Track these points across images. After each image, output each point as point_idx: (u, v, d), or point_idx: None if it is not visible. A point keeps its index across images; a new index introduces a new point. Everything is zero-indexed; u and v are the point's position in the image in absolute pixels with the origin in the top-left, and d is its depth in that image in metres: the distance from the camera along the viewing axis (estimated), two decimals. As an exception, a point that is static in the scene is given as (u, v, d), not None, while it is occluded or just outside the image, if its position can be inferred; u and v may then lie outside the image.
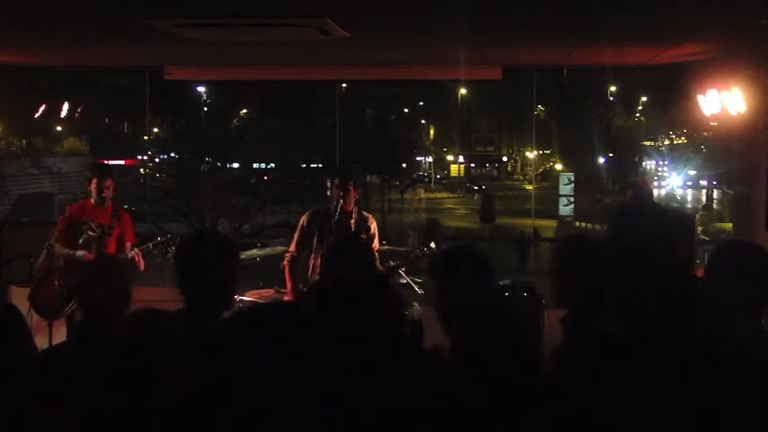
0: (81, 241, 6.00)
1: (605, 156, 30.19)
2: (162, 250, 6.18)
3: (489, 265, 3.08)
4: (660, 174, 43.13)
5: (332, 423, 1.98)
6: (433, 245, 5.93)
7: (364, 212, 6.09)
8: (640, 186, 6.01)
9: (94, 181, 6.10)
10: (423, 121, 41.37)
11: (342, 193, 5.81)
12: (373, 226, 5.98)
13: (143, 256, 6.00)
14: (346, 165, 6.65)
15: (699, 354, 2.28)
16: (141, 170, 25.98)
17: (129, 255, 5.91)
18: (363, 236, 5.80)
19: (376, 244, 5.92)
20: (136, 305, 3.31)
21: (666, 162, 41.01)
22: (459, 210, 37.95)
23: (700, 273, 5.05)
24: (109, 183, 6.14)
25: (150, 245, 6.13)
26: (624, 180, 6.92)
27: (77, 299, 3.25)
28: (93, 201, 6.13)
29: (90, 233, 6.03)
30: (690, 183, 42.58)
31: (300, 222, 6.06)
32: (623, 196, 6.15)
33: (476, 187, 44.48)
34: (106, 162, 6.52)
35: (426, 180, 43.10)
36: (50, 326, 5.79)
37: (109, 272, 3.31)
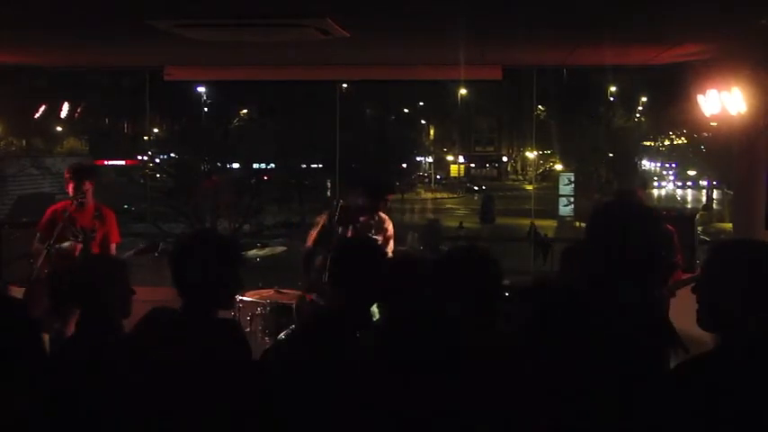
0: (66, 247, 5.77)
1: (605, 156, 30.20)
2: (146, 255, 6.00)
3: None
4: (661, 174, 43.20)
5: None
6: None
7: (381, 214, 6.05)
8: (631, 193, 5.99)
9: (72, 184, 5.86)
10: (423, 121, 41.42)
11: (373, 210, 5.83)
12: (388, 227, 5.98)
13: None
14: (375, 177, 6.75)
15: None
16: (141, 170, 25.97)
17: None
18: (379, 237, 5.84)
19: (391, 246, 5.95)
20: (135, 305, 3.33)
21: (673, 165, 41.08)
22: (459, 210, 37.97)
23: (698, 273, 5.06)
24: (88, 186, 5.90)
25: (132, 253, 5.94)
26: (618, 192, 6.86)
27: (78, 296, 3.23)
28: (73, 203, 5.88)
29: (72, 239, 5.83)
30: (690, 183, 42.68)
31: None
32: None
33: (476, 187, 44.53)
34: (87, 164, 6.23)
35: (426, 180, 43.15)
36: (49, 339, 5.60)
37: (112, 271, 3.32)
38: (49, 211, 6.05)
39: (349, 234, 5.81)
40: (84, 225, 5.94)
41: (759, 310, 2.19)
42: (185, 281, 2.83)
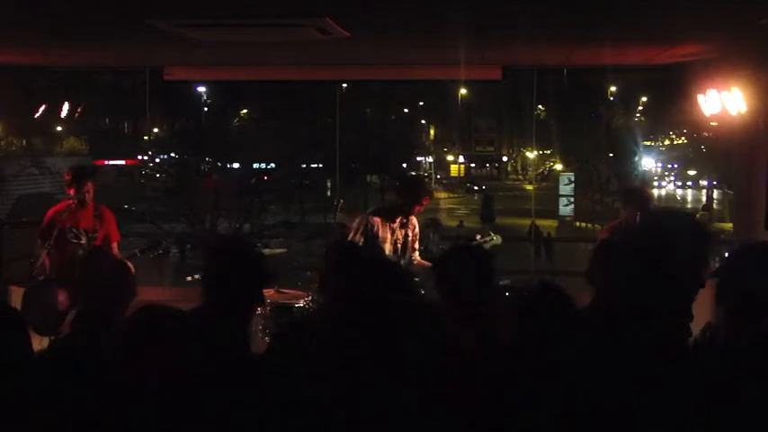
0: (69, 249, 5.82)
1: (605, 156, 30.22)
2: (150, 254, 6.04)
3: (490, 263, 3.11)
4: (662, 174, 43.22)
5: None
6: (493, 235, 6.13)
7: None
8: (642, 198, 6.07)
9: (74, 187, 5.88)
10: (423, 121, 41.44)
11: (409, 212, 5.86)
12: (416, 225, 6.05)
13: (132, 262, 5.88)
14: (413, 180, 6.98)
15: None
16: (141, 170, 25.98)
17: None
18: (409, 233, 5.90)
19: (417, 244, 6.02)
20: (135, 305, 3.33)
21: (675, 165, 41.10)
22: (459, 210, 37.97)
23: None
24: (88, 187, 5.92)
25: (137, 251, 5.97)
26: (626, 191, 6.97)
27: (81, 291, 3.25)
28: (74, 204, 5.91)
29: (74, 241, 5.88)
30: (690, 183, 42.69)
31: None
32: (623, 209, 6.23)
33: (476, 187, 44.55)
34: (86, 165, 6.30)
35: (426, 180, 43.07)
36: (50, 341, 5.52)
37: (118, 269, 3.34)
38: (49, 213, 6.06)
39: (388, 232, 5.85)
40: (86, 226, 5.97)
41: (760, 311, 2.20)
42: (216, 286, 2.86)
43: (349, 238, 5.83)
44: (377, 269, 2.96)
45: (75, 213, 5.94)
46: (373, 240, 5.74)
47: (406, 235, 5.96)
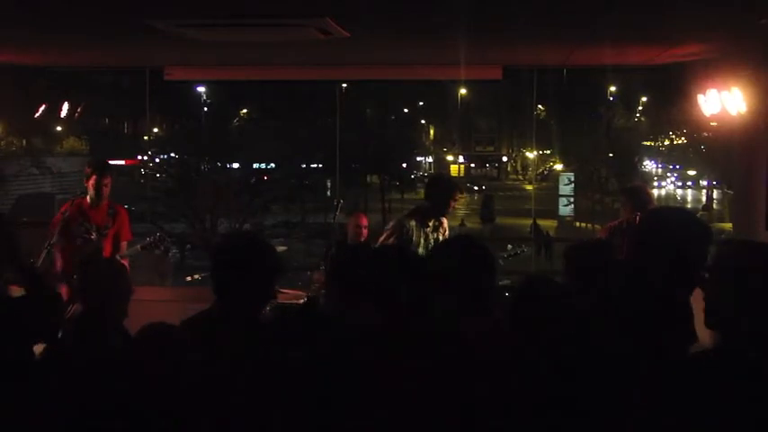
0: (78, 243, 5.91)
1: (605, 156, 30.19)
2: (152, 251, 6.12)
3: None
4: (662, 174, 43.21)
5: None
6: (525, 248, 6.25)
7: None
8: (642, 198, 6.04)
9: (94, 178, 5.97)
10: (423, 121, 41.41)
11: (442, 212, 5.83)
12: (446, 226, 6.02)
13: (134, 257, 5.94)
14: (442, 180, 6.83)
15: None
16: (141, 170, 25.96)
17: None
18: (440, 235, 5.85)
19: None
20: (135, 305, 3.35)
21: (676, 166, 41.06)
22: (459, 210, 37.94)
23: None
24: (108, 181, 6.03)
25: (139, 247, 6.08)
26: (625, 190, 6.90)
27: (79, 292, 3.27)
28: (89, 199, 6.00)
29: (85, 236, 5.94)
30: (690, 183, 42.68)
31: None
32: (623, 209, 6.20)
33: (476, 187, 44.50)
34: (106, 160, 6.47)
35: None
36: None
37: (113, 270, 3.35)
38: (62, 209, 6.10)
39: (422, 237, 5.79)
40: (98, 222, 6.02)
41: (753, 311, 2.19)
42: (228, 285, 2.84)
43: (380, 241, 5.77)
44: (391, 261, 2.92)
45: (89, 209, 6.02)
46: (407, 245, 5.63)
47: (437, 239, 5.88)
